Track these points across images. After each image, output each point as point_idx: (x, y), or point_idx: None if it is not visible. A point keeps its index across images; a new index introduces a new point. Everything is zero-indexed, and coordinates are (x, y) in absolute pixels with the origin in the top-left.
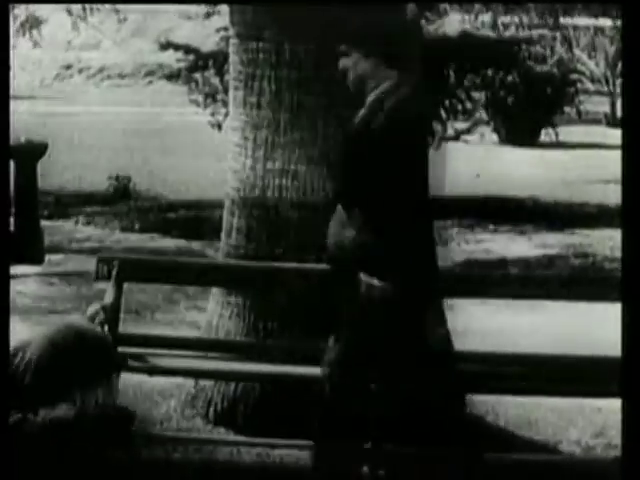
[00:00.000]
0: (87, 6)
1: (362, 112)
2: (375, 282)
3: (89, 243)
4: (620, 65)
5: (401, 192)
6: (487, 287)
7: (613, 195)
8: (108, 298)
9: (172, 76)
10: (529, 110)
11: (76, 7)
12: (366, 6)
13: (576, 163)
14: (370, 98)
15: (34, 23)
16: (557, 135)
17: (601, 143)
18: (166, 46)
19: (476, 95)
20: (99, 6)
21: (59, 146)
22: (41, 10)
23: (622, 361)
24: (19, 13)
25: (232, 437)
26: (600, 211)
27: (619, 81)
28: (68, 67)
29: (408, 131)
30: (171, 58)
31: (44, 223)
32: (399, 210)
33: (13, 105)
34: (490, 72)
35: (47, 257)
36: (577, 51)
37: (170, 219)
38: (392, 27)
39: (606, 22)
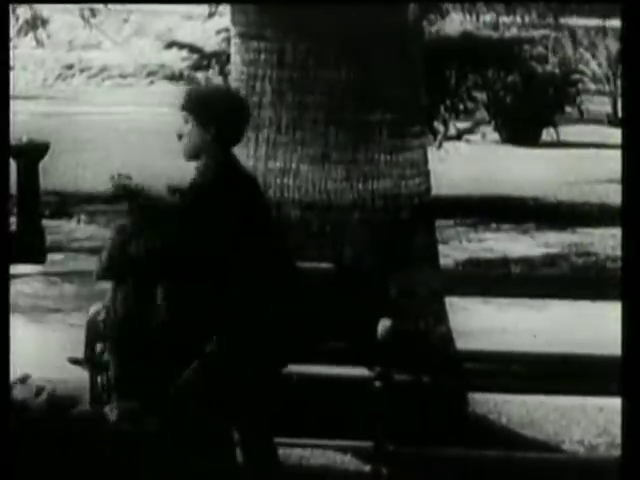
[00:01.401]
0: (96, 6)
1: (191, 184)
2: None
3: (90, 242)
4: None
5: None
6: (489, 286)
7: (615, 194)
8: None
9: (174, 77)
10: (531, 110)
11: (86, 8)
12: (366, 6)
13: (578, 163)
14: (196, 170)
15: (39, 22)
16: (558, 135)
17: (603, 143)
18: (170, 45)
19: (477, 95)
20: (104, 6)
21: (61, 146)
22: (43, 10)
23: (622, 360)
24: (22, 12)
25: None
26: (602, 210)
27: (621, 81)
28: (70, 67)
29: (227, 204)
30: (173, 58)
31: (46, 222)
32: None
33: (15, 105)
34: (491, 72)
35: (49, 256)
36: (579, 51)
37: None
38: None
39: (608, 22)
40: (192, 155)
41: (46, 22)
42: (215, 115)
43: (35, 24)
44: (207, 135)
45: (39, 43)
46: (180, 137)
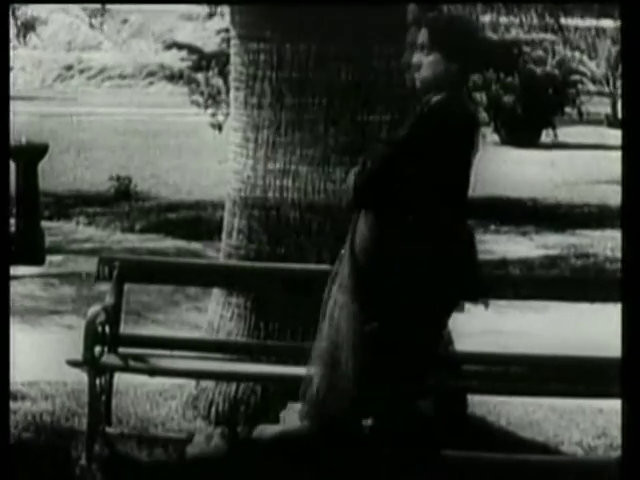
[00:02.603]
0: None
1: (425, 114)
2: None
3: (90, 244)
4: (620, 65)
5: (437, 201)
6: (488, 287)
7: (614, 196)
8: (109, 299)
9: (173, 77)
10: (530, 111)
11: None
12: (366, 6)
13: (577, 164)
14: (436, 99)
15: (30, 25)
16: (556, 136)
17: (602, 144)
18: (170, 46)
19: (477, 96)
20: (108, 6)
21: (60, 147)
22: (42, 11)
23: (622, 362)
24: (19, 14)
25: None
26: (601, 212)
27: (620, 82)
28: (69, 68)
29: (465, 140)
30: (172, 59)
31: (45, 224)
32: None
33: (14, 106)
34: (491, 73)
35: (48, 258)
36: (578, 52)
37: (171, 220)
38: (480, 38)
39: (607, 23)
40: (429, 86)
41: (41, 24)
42: (464, 48)
43: (28, 27)
44: (454, 67)
45: (35, 46)
46: (418, 67)
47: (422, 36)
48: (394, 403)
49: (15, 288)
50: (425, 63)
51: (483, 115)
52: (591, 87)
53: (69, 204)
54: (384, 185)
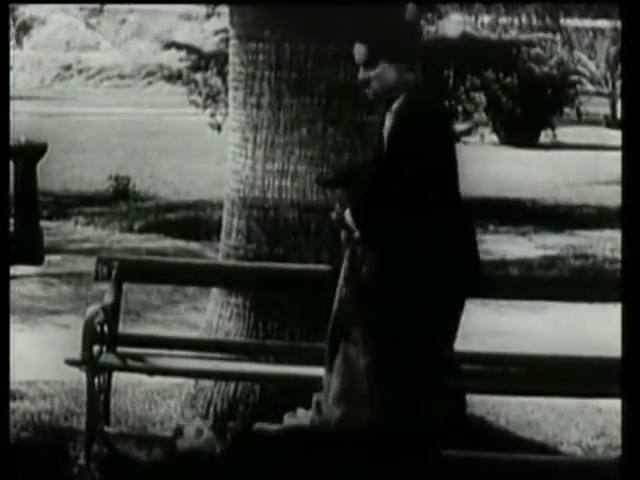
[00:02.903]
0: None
1: (391, 122)
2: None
3: (88, 244)
4: (620, 66)
5: (429, 197)
6: (488, 288)
7: (613, 196)
8: (108, 299)
9: (172, 77)
10: (529, 111)
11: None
12: (365, 6)
13: (576, 164)
14: (396, 106)
15: (27, 26)
16: (555, 136)
17: (601, 144)
18: (169, 46)
19: (476, 96)
20: (106, 6)
21: (59, 147)
22: (41, 11)
23: (622, 362)
24: (17, 15)
25: None
26: (600, 212)
27: (619, 82)
28: (68, 68)
29: (436, 133)
30: (171, 59)
31: (44, 224)
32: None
33: (13, 106)
34: (490, 73)
35: (46, 258)
36: (577, 52)
37: (170, 220)
38: (417, 34)
39: (606, 23)
40: (382, 96)
41: (34, 27)
42: (405, 46)
43: (22, 28)
44: (402, 68)
45: (33, 47)
46: (367, 83)
47: (360, 54)
48: (399, 405)
49: (14, 288)
50: (373, 76)
51: (482, 115)
52: (590, 87)
53: (68, 204)
54: (379, 201)
